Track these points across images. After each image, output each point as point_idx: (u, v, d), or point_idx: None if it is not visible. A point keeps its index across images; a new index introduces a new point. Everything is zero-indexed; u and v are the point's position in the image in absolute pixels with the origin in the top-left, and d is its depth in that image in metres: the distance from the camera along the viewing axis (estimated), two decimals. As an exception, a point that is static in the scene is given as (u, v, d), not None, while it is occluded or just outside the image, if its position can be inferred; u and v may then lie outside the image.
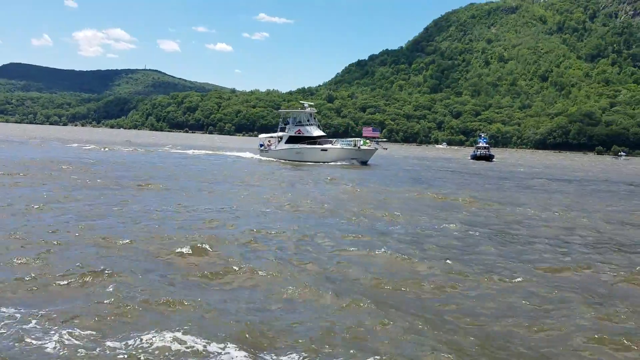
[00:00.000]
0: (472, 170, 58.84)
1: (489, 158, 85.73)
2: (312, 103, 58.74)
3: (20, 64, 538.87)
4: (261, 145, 60.25)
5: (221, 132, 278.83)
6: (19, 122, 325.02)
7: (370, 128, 63.08)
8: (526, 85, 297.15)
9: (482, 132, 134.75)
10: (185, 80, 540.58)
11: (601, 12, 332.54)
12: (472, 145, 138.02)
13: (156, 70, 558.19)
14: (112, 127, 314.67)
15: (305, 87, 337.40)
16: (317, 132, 55.48)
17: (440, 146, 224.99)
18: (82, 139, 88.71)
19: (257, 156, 58.53)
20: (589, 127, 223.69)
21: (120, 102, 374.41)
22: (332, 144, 55.42)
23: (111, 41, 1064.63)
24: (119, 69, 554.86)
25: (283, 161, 53.01)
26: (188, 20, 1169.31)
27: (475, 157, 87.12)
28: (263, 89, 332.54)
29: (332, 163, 51.62)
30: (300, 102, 57.85)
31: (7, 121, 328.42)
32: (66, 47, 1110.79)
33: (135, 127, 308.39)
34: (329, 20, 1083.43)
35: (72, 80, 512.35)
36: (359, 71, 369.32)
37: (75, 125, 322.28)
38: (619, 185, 45.29)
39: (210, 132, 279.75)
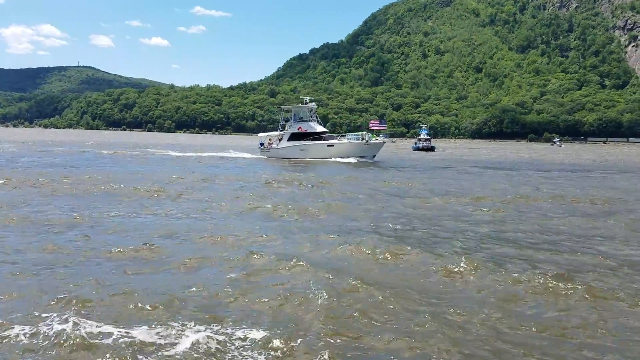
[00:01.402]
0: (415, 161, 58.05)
1: (431, 149, 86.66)
2: (312, 98, 56.97)
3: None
4: (261, 145, 57.59)
5: (160, 129, 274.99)
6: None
7: (377, 120, 61.33)
8: (462, 77, 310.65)
9: (423, 124, 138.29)
10: (121, 77, 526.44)
11: (530, 5, 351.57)
12: (414, 137, 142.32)
13: (90, 67, 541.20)
14: (45, 127, 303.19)
15: (247, 82, 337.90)
16: (320, 127, 53.72)
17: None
18: (31, 141, 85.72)
19: (258, 156, 55.94)
20: (521, 116, 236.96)
21: (54, 100, 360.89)
22: (339, 139, 54.03)
23: (41, 37, 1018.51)
24: (51, 66, 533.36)
25: (287, 160, 50.55)
26: (121, 15, 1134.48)
27: (417, 149, 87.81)
28: (203, 84, 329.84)
29: (339, 159, 49.66)
30: (301, 97, 55.76)
31: None
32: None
33: (70, 126, 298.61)
34: (268, 13, 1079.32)
35: (2, 79, 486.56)
36: (301, 65, 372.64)
37: (7, 127, 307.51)
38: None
39: (150, 130, 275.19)
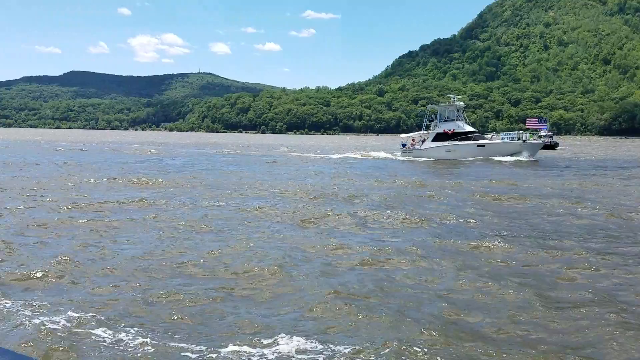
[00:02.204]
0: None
1: (553, 146, 79.51)
2: (459, 96, 55.52)
3: (79, 71, 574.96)
4: (404, 146, 56.12)
5: (273, 131, 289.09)
6: (82, 128, 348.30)
7: (536, 119, 57.86)
8: (588, 69, 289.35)
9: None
10: (238, 82, 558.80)
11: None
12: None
13: (209, 73, 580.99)
14: (170, 130, 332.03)
15: (355, 82, 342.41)
16: (468, 127, 51.43)
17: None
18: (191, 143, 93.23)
19: (399, 157, 54.47)
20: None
21: (177, 105, 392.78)
22: (490, 139, 51.62)
23: (165, 46, 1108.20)
24: (174, 73, 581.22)
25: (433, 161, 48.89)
26: (237, 22, 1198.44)
27: None
28: (313, 86, 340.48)
29: (495, 158, 47.12)
30: (448, 95, 54.43)
31: (70, 127, 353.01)
32: (122, 53, 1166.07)
33: (192, 129, 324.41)
34: (377, 13, 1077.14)
35: (130, 85, 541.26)
36: (410, 62, 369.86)
37: (136, 130, 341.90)
38: None
39: (263, 132, 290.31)
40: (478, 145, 49.64)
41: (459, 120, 51.78)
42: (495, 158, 47.53)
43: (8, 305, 8.35)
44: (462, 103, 53.39)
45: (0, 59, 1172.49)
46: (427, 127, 55.20)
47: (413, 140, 55.94)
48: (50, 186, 24.50)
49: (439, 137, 51.40)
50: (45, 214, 16.87)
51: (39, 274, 10.13)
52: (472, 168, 41.11)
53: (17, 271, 10.38)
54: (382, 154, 58.92)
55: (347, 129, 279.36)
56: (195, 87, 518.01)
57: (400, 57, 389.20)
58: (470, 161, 47.01)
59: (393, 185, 28.16)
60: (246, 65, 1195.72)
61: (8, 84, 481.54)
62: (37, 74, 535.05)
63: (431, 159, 49.75)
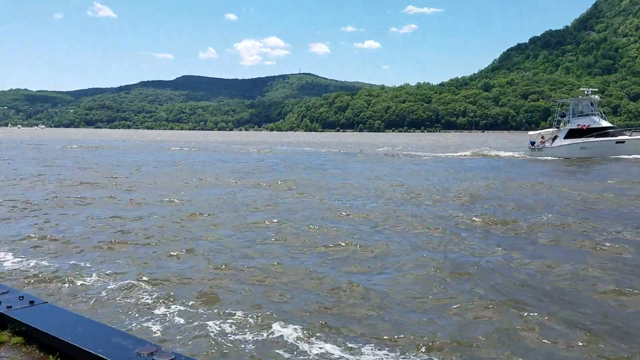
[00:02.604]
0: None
1: None
2: (595, 89, 51.38)
3: (190, 76, 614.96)
4: (532, 144, 52.97)
5: (370, 129, 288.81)
6: (192, 129, 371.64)
7: None
8: None
9: None
10: (337, 81, 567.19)
11: None
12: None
13: (309, 74, 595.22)
14: (271, 130, 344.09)
15: (459, 77, 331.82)
16: (605, 122, 47.82)
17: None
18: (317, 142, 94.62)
19: (527, 156, 51.28)
20: None
21: (278, 106, 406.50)
22: (630, 134, 47.25)
23: (268, 49, 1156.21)
24: (276, 74, 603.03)
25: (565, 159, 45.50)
26: (336, 22, 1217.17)
27: None
28: (413, 83, 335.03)
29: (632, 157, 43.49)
30: (581, 89, 50.47)
31: (182, 128, 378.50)
32: (229, 57, 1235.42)
33: (291, 128, 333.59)
34: (482, 4, 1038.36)
35: (235, 88, 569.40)
36: (519, 55, 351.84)
37: (240, 130, 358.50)
38: None
39: (360, 130, 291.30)
40: (617, 142, 45.58)
41: (595, 115, 47.91)
42: (638, 156, 43.31)
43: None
44: (597, 97, 49.47)
45: (121, 65, 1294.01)
46: (558, 124, 51.56)
47: (542, 137, 52.36)
48: (211, 182, 27.14)
49: (572, 134, 47.82)
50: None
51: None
52: (617, 167, 37.19)
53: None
54: (504, 153, 55.38)
55: (450, 126, 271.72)
56: (295, 88, 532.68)
57: (508, 50, 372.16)
58: (611, 159, 42.90)
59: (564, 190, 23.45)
60: (345, 64, 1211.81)
61: (127, 88, 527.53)
62: (153, 79, 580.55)
63: (563, 158, 46.51)
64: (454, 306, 8.51)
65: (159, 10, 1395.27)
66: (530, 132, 59.61)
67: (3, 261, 11.01)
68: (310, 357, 6.71)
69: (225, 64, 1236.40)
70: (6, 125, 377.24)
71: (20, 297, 4.11)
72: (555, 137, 49.64)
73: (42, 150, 60.63)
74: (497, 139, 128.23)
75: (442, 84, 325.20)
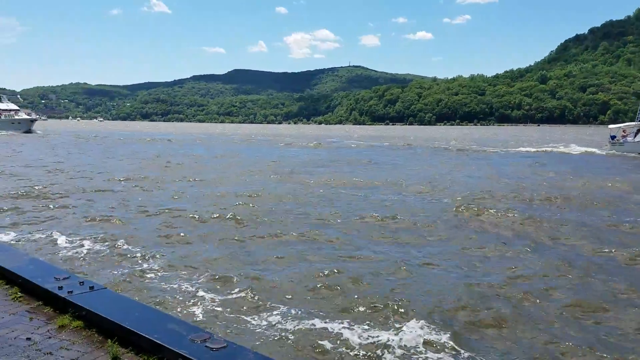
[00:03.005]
0: None
1: None
2: None
3: (241, 70, 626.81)
4: (613, 138, 50.05)
5: (421, 122, 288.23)
6: (242, 122, 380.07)
7: None
8: None
9: None
10: (387, 73, 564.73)
11: None
12: None
13: (359, 66, 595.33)
14: (319, 123, 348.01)
15: (514, 69, 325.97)
16: None
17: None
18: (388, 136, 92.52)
19: (607, 151, 48.28)
20: None
21: (327, 99, 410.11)
22: None
23: (317, 42, 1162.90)
24: (325, 67, 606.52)
25: None
26: (388, 13, 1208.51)
27: None
28: (466, 75, 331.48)
29: None
30: None
31: (232, 122, 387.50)
32: (278, 51, 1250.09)
33: (340, 122, 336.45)
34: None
35: (284, 81, 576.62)
36: (577, 47, 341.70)
37: (289, 123, 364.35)
38: None
39: (410, 123, 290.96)
40: None
41: None
42: None
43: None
44: None
45: (175, 60, 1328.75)
46: None
47: (624, 131, 49.53)
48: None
49: None
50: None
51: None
52: None
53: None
54: (581, 148, 52.82)
55: (504, 119, 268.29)
56: (344, 81, 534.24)
57: (565, 42, 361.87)
58: None
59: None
60: (395, 56, 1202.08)
61: (181, 82, 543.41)
62: (205, 73, 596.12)
63: None
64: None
65: (211, 5, 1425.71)
66: (611, 126, 56.66)
67: (64, 246, 11.23)
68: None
69: (274, 58, 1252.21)
70: (67, 117, 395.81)
71: (80, 282, 4.31)
72: (639, 131, 47.14)
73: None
74: (563, 133, 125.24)
75: (496, 76, 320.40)
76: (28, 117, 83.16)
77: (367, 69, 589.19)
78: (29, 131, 79.86)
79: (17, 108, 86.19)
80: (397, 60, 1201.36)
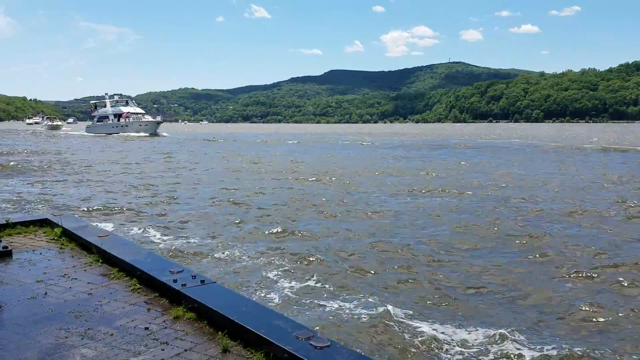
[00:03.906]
0: None
1: None
2: None
3: (337, 70, 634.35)
4: None
5: (527, 119, 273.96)
6: (337, 122, 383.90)
7: None
8: None
9: None
10: (490, 69, 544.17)
11: None
12: None
13: (459, 62, 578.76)
14: (417, 122, 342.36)
15: (629, 62, 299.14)
16: None
17: None
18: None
19: None
20: None
21: (424, 97, 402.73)
22: None
23: (415, 39, 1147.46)
24: (423, 65, 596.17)
25: None
26: (490, 7, 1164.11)
27: None
28: (576, 69, 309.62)
29: None
30: None
31: (327, 122, 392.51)
32: (375, 50, 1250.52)
33: (439, 120, 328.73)
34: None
35: (381, 80, 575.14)
36: None
37: (384, 122, 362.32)
38: None
39: (516, 120, 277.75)
40: None
41: None
42: None
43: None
44: None
45: (273, 63, 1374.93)
46: None
47: None
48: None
49: None
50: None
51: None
52: None
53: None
54: None
55: (618, 116, 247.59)
56: (443, 78, 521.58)
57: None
58: None
59: None
60: (499, 51, 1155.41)
61: (279, 84, 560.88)
62: (302, 75, 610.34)
63: None
64: None
65: (309, 8, 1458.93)
66: None
67: (173, 239, 11.88)
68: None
69: (370, 57, 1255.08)
70: (176, 121, 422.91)
71: (192, 276, 4.50)
72: None
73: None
74: None
75: (609, 70, 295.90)
76: (155, 120, 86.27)
77: (469, 64, 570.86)
78: (155, 133, 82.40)
79: (143, 112, 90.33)
80: (500, 55, 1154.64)
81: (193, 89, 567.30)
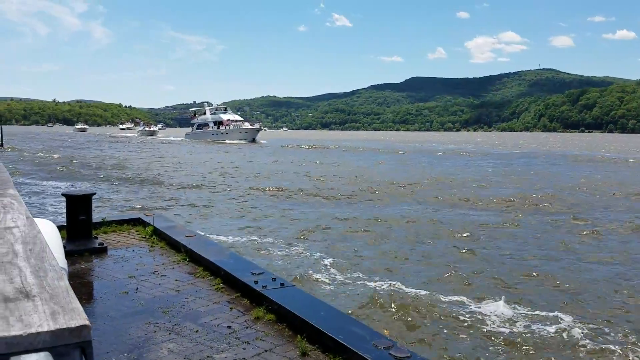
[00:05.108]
0: None
1: None
2: None
3: (418, 77, 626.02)
4: None
5: (623, 130, 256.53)
6: (417, 130, 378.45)
7: None
8: None
9: None
10: (582, 76, 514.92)
11: None
12: None
13: (549, 69, 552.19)
14: (502, 130, 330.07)
15: None
16: None
17: None
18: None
19: None
20: None
21: (511, 104, 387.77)
22: None
23: (502, 45, 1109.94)
24: (509, 72, 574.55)
25: None
26: (582, 12, 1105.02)
27: None
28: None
29: None
30: None
31: (407, 129, 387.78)
32: (458, 56, 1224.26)
33: (526, 129, 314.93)
34: None
35: (464, 87, 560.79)
36: None
37: (468, 131, 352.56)
38: None
39: (610, 131, 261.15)
40: None
41: None
42: None
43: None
44: None
45: (353, 71, 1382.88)
46: None
47: None
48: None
49: None
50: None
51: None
52: None
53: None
54: None
55: None
56: (531, 85, 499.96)
57: None
58: None
59: None
60: (591, 58, 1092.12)
61: (358, 92, 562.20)
62: (382, 82, 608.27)
63: None
64: None
65: (390, 15, 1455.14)
66: None
67: (249, 239, 11.34)
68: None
69: (453, 64, 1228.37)
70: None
71: (273, 278, 4.57)
72: None
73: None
74: None
75: None
76: (254, 127, 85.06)
77: (559, 71, 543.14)
78: (253, 140, 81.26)
79: (242, 119, 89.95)
80: (593, 62, 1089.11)
81: (275, 96, 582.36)
